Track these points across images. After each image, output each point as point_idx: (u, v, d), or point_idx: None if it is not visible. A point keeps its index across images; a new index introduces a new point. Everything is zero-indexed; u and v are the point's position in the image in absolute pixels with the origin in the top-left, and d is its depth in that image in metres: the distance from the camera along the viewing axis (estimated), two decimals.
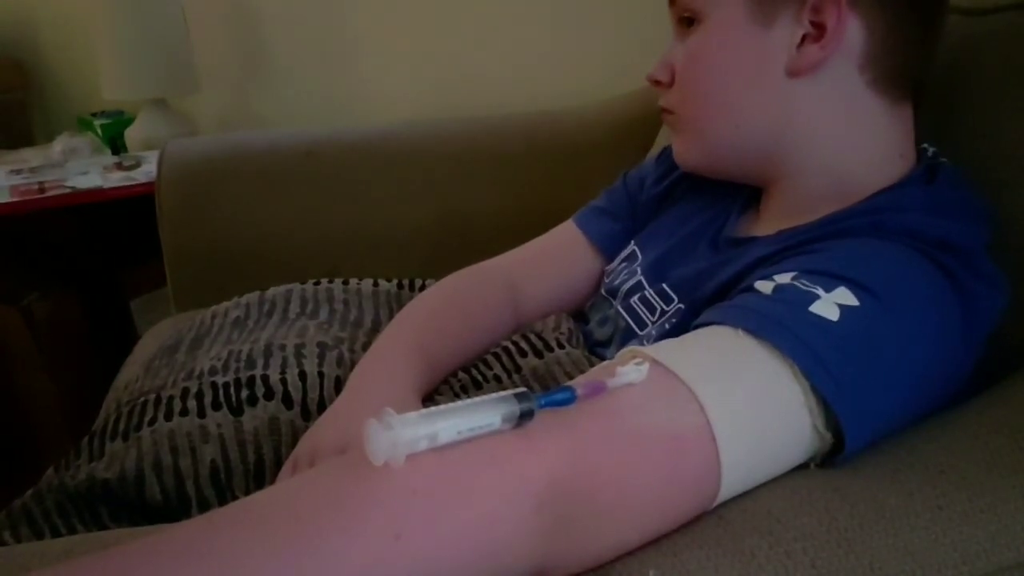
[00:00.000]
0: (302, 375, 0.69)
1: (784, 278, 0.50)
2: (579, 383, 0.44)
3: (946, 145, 0.64)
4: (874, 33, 0.58)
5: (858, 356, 0.47)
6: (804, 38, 0.58)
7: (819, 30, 0.58)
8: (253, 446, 0.64)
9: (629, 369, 0.44)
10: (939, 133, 0.65)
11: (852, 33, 0.58)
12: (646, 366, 0.44)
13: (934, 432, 0.50)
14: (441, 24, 1.58)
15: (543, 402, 0.42)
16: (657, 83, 0.67)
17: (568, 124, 1.25)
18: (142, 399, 0.70)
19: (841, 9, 0.56)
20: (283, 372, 0.69)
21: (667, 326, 0.64)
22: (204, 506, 0.63)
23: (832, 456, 0.48)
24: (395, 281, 0.92)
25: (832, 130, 0.60)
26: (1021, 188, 0.61)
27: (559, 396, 0.42)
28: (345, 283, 0.89)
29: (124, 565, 0.37)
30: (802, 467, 0.48)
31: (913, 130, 0.62)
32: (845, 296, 0.48)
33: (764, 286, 0.51)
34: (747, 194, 0.69)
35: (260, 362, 0.71)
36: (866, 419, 0.47)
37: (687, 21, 0.64)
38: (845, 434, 0.46)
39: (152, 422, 0.66)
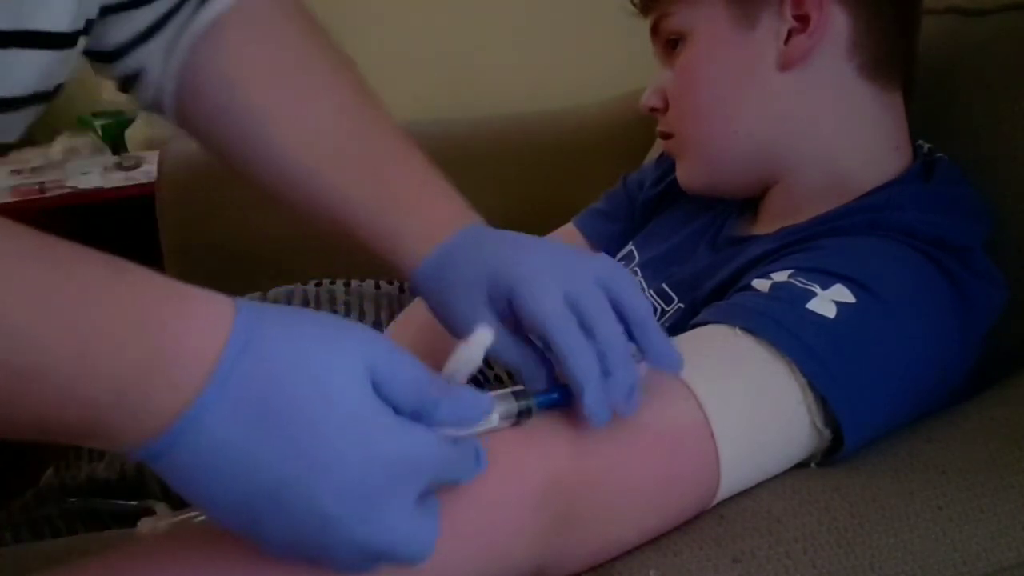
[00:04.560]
0: None
1: (781, 276, 0.51)
2: None
3: (946, 145, 0.64)
4: (857, 19, 0.59)
5: (855, 353, 0.47)
6: (790, 33, 0.59)
7: (803, 22, 0.59)
8: None
9: None
10: (939, 133, 0.65)
11: (836, 20, 0.59)
12: (644, 364, 0.44)
13: (934, 432, 0.51)
14: (441, 24, 1.58)
15: (539, 400, 0.42)
16: (652, 110, 0.68)
17: (568, 124, 1.25)
18: None
19: None
20: None
21: (667, 325, 0.64)
22: None
23: (832, 454, 0.48)
24: (397, 283, 0.92)
25: (826, 121, 0.61)
26: (1021, 188, 0.61)
27: (555, 395, 0.42)
28: (347, 284, 0.89)
29: (123, 568, 0.37)
30: (802, 466, 0.48)
31: (906, 122, 0.63)
32: (842, 293, 0.48)
33: (761, 284, 0.51)
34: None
35: None
36: (864, 416, 0.47)
37: (672, 44, 0.65)
38: (844, 431, 0.46)
39: None
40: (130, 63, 0.53)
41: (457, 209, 0.51)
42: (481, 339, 0.38)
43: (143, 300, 0.31)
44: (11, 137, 0.47)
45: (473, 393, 0.36)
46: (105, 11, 0.49)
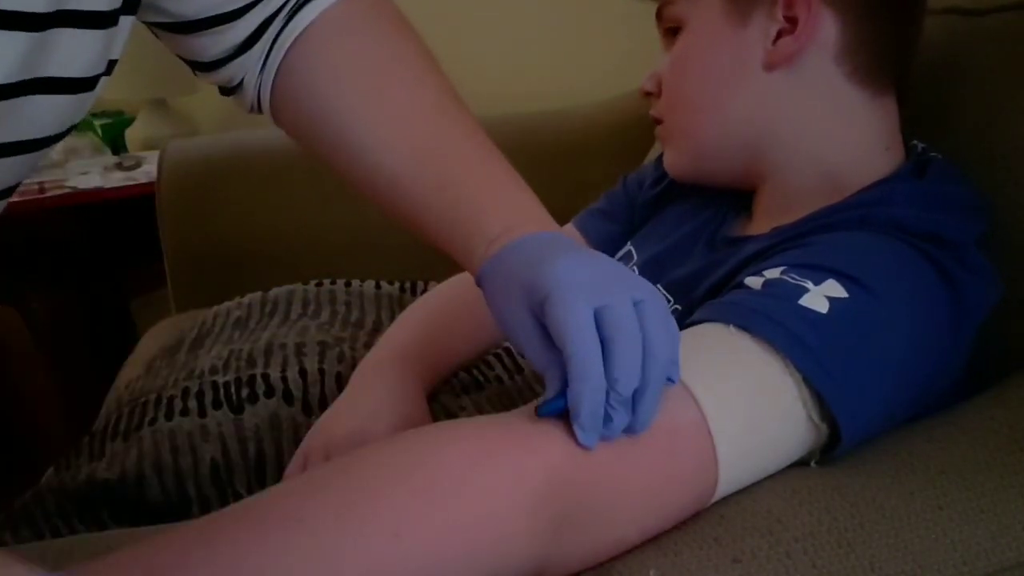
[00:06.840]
0: (302, 372, 0.69)
1: (773, 273, 0.51)
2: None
3: (944, 145, 0.64)
4: (847, 24, 0.59)
5: (848, 347, 0.47)
6: (780, 33, 0.59)
7: (792, 24, 0.59)
8: (254, 442, 0.65)
9: None
10: (938, 133, 0.65)
11: (826, 25, 0.59)
12: None
13: (934, 432, 0.51)
14: (440, 24, 1.58)
15: (544, 410, 0.42)
16: (647, 94, 0.69)
17: (568, 124, 1.25)
18: (143, 399, 0.70)
19: (812, 1, 0.58)
20: (284, 370, 0.70)
21: None
22: (205, 505, 0.63)
23: (830, 450, 0.48)
24: (397, 284, 0.92)
25: (814, 123, 0.61)
26: (1020, 188, 0.61)
27: (561, 403, 0.42)
28: (347, 284, 0.89)
29: (123, 568, 0.37)
30: (802, 465, 0.48)
31: (898, 123, 0.63)
32: (834, 288, 0.48)
33: (754, 282, 0.51)
34: (743, 195, 0.69)
35: (261, 361, 0.71)
36: (860, 409, 0.47)
37: (673, 31, 0.65)
38: (840, 424, 0.46)
39: (152, 422, 0.66)
40: (230, 72, 0.56)
41: (522, 218, 0.51)
42: None
43: None
44: (21, 178, 0.49)
45: None
46: (196, 27, 0.52)
